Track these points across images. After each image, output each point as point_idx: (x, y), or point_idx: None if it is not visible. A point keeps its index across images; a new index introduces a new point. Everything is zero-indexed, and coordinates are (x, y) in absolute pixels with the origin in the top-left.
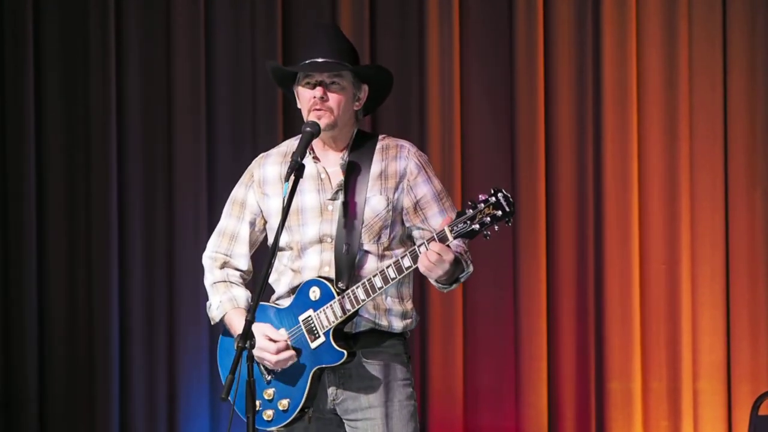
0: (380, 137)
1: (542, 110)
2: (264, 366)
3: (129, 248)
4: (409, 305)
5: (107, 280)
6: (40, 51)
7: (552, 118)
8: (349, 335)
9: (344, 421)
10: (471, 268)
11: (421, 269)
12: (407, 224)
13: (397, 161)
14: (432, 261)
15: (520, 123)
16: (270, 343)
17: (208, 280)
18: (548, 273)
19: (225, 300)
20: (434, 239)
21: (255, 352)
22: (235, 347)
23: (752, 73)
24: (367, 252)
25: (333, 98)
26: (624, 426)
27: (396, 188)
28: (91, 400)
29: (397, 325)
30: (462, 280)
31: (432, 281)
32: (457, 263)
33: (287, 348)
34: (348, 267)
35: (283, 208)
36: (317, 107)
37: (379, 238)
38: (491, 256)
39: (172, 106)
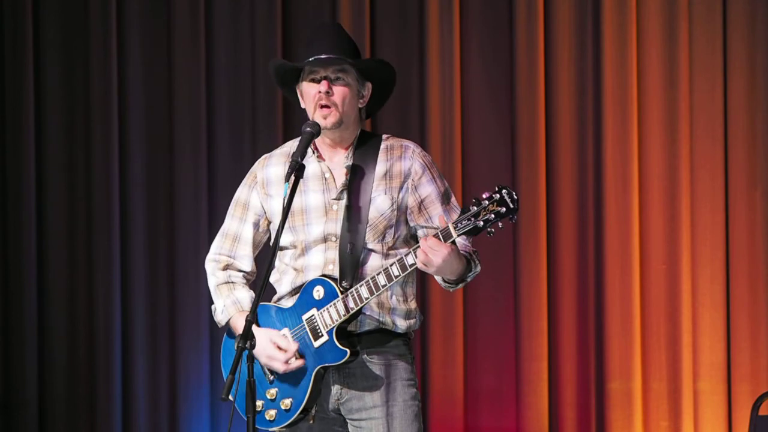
0: (384, 137)
1: (543, 110)
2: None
3: (130, 249)
4: (413, 305)
5: (108, 280)
6: (40, 52)
7: (552, 117)
8: (353, 334)
9: (348, 420)
10: (479, 268)
11: (419, 265)
12: (411, 224)
13: (401, 161)
14: (428, 255)
15: (521, 123)
16: (280, 353)
17: (211, 283)
18: (549, 273)
19: (229, 303)
20: (438, 236)
21: (263, 359)
22: (236, 347)
23: (752, 73)
24: (371, 251)
25: (338, 93)
26: (624, 426)
27: (400, 188)
28: (92, 401)
29: (401, 324)
30: (469, 279)
31: (438, 280)
32: (466, 261)
33: (296, 357)
34: (352, 266)
35: (284, 209)
36: (323, 102)
37: (384, 237)
38: (492, 256)
39: (172, 110)
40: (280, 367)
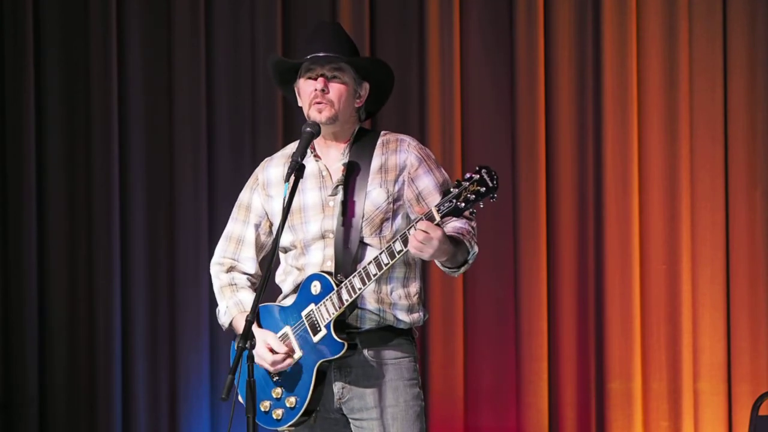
0: (381, 133)
1: (543, 110)
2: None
3: (130, 249)
4: (415, 299)
5: (108, 280)
6: (40, 52)
7: (552, 117)
8: (353, 327)
9: (350, 420)
10: (476, 249)
11: (412, 250)
12: (412, 216)
13: (397, 154)
14: (420, 240)
15: (521, 123)
16: (268, 354)
17: (215, 286)
18: (549, 273)
19: (231, 305)
20: (422, 219)
21: (257, 360)
22: (236, 347)
23: (752, 73)
24: (368, 245)
25: (334, 91)
26: (624, 426)
27: (396, 180)
28: (92, 401)
29: (404, 318)
30: (470, 261)
31: (440, 266)
32: (456, 243)
33: (286, 360)
34: (348, 260)
35: (284, 209)
36: (318, 100)
37: (381, 230)
38: (492, 256)
39: (172, 110)
40: (269, 369)
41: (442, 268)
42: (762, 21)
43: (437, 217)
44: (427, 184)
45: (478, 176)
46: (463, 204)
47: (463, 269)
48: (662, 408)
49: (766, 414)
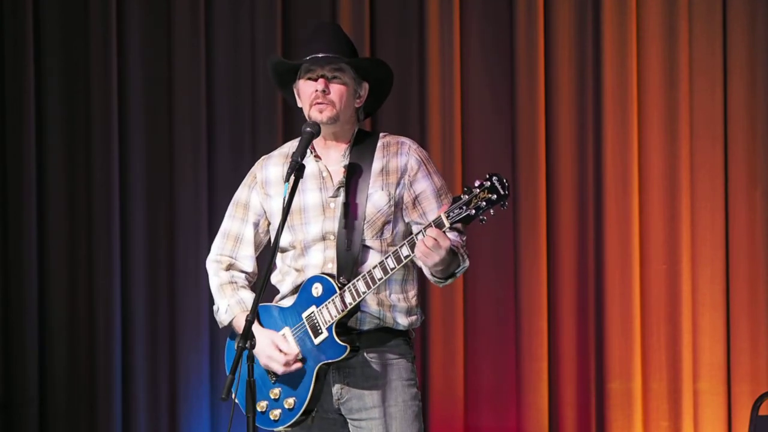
0: (381, 135)
1: (543, 110)
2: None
3: (130, 249)
4: (413, 302)
5: (108, 280)
6: (40, 52)
7: (552, 118)
8: (354, 330)
9: (348, 420)
10: (467, 263)
11: (418, 255)
12: (406, 219)
13: (398, 157)
14: (428, 246)
15: (521, 123)
16: (279, 354)
17: (213, 283)
18: (549, 273)
19: (233, 303)
20: (431, 225)
21: (262, 360)
22: (235, 347)
23: (752, 73)
24: (369, 248)
25: (334, 91)
26: (624, 426)
27: (397, 184)
28: (92, 401)
29: (402, 320)
30: (458, 274)
31: (428, 275)
32: (453, 255)
33: (296, 361)
34: (350, 263)
35: (284, 209)
36: (319, 101)
37: (382, 233)
38: (492, 256)
39: (172, 110)
40: (278, 369)
41: (430, 276)
42: (762, 21)
43: (447, 224)
44: (425, 188)
45: (489, 183)
46: (473, 211)
47: (449, 281)
48: (662, 408)
49: (766, 414)
